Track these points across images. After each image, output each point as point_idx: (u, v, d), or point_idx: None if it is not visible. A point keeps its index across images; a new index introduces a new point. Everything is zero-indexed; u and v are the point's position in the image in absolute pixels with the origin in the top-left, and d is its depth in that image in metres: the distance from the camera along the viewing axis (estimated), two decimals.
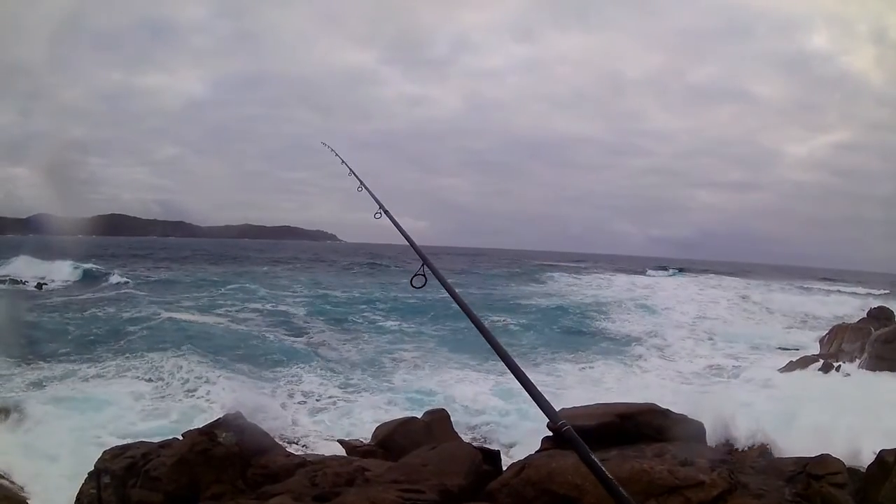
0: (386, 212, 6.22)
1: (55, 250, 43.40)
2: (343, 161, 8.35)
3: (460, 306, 3.83)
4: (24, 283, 40.79)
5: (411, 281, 4.28)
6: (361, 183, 7.26)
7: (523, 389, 2.84)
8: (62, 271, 44.23)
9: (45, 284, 40.88)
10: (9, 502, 9.83)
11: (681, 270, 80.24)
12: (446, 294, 3.97)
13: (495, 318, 31.81)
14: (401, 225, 5.66)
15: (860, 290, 59.49)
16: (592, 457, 2.33)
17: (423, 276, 4.27)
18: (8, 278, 41.02)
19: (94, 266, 47.70)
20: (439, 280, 4.24)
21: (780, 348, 27.24)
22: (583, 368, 22.77)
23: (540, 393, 2.69)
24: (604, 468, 2.26)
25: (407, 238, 5.25)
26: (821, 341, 25.43)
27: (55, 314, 27.59)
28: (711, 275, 73.75)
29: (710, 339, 30.05)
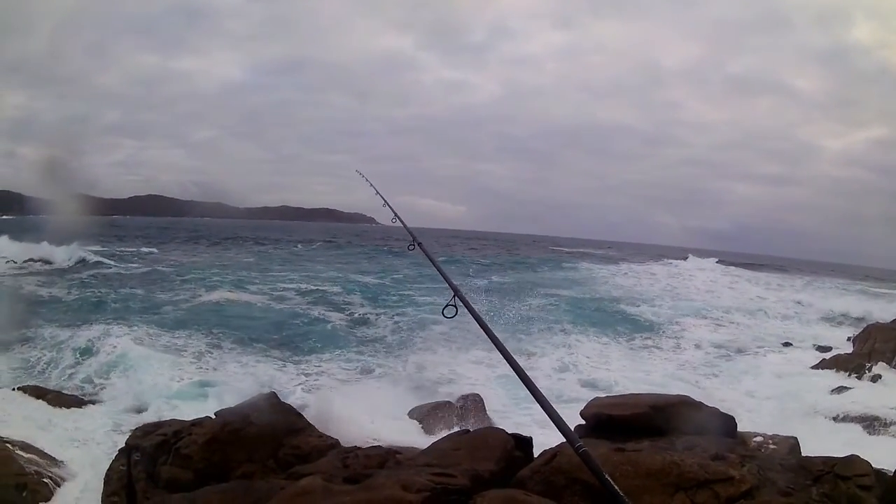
0: (419, 244, 6.48)
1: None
2: (378, 192, 8.47)
3: (488, 335, 4.02)
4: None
5: (443, 311, 4.47)
6: (396, 215, 7.43)
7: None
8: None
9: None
10: (39, 476, 9.98)
11: (720, 262, 79.60)
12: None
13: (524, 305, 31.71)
14: (435, 259, 5.93)
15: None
16: (606, 476, 2.37)
17: (455, 306, 4.45)
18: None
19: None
20: (469, 310, 4.41)
21: (815, 346, 27.01)
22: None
23: (560, 417, 2.77)
24: (616, 486, 2.30)
25: (440, 271, 5.47)
26: (854, 340, 25.19)
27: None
28: (748, 268, 73.23)
29: (743, 330, 29.92)
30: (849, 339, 26.62)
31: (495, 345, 3.78)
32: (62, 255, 39.70)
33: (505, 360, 3.66)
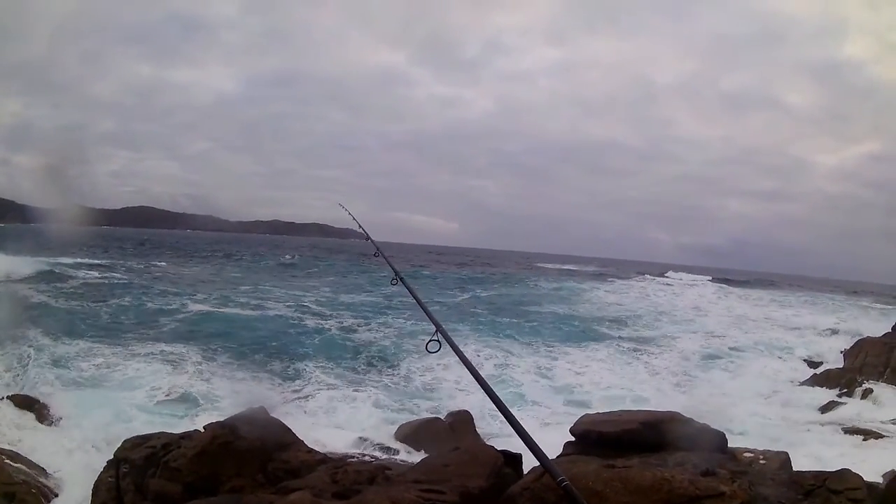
0: (402, 279, 6.49)
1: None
2: (360, 226, 8.61)
3: (469, 369, 4.09)
4: None
5: (427, 346, 4.49)
6: (378, 250, 7.57)
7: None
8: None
9: None
10: (28, 487, 9.94)
11: (714, 279, 79.67)
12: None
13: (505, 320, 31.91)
14: (416, 295, 5.90)
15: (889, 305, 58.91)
16: None
17: (438, 341, 4.47)
18: None
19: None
20: (451, 346, 4.43)
21: (805, 360, 27.05)
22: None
23: (544, 455, 2.76)
24: None
25: (422, 306, 5.46)
26: (845, 354, 25.22)
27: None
28: (738, 285, 73.47)
29: (733, 346, 29.94)
30: (841, 352, 26.63)
31: (476, 379, 3.83)
32: (36, 266, 39.49)
33: (487, 396, 3.67)
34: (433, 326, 4.61)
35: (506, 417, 3.27)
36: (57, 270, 39.29)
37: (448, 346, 4.45)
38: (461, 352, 4.32)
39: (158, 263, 52.10)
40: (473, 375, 3.90)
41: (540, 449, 2.85)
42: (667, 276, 79.30)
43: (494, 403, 3.44)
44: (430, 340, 4.46)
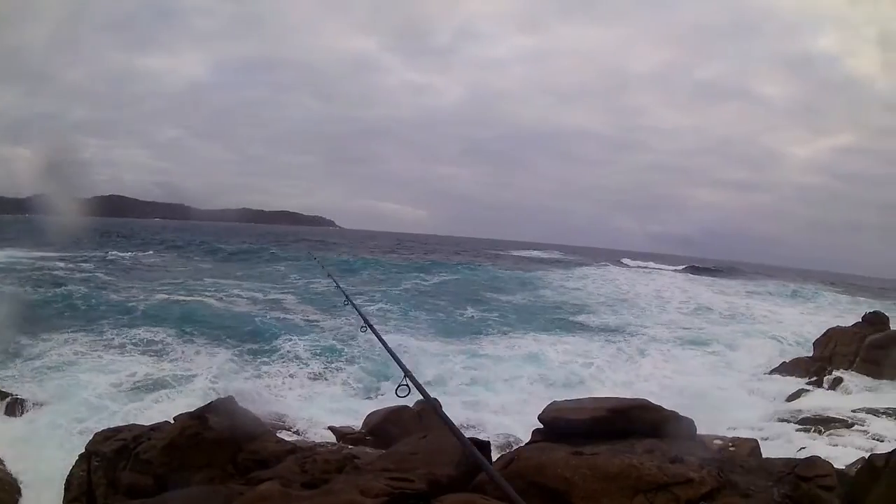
0: (371, 327, 6.90)
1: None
2: (329, 275, 8.93)
3: (439, 416, 4.37)
4: None
5: (396, 391, 4.88)
6: (348, 299, 7.76)
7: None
8: None
9: None
10: (0, 484, 9.88)
11: (686, 269, 79.71)
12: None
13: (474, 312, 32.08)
14: (385, 343, 6.38)
15: (860, 295, 59.38)
16: None
17: (407, 386, 4.81)
18: None
19: None
20: (420, 391, 4.77)
21: (776, 349, 27.14)
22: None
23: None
24: None
25: (391, 354, 5.88)
26: (815, 344, 25.38)
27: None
28: (708, 273, 73.84)
29: (699, 334, 30.09)
30: (812, 342, 26.78)
31: (444, 422, 4.09)
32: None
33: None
34: (403, 375, 4.90)
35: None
36: (24, 262, 38.98)
37: (417, 392, 4.76)
38: (428, 394, 4.83)
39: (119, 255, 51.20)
40: (442, 420, 4.19)
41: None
42: (635, 264, 79.49)
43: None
44: (399, 386, 4.79)
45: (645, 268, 73.46)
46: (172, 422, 9.59)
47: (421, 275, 47.62)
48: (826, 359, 22.93)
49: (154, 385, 15.74)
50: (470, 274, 52.51)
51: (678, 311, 38.14)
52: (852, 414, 15.63)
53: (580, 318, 33.08)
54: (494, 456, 8.29)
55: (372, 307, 30.05)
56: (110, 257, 47.36)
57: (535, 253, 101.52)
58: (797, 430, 14.83)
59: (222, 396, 10.81)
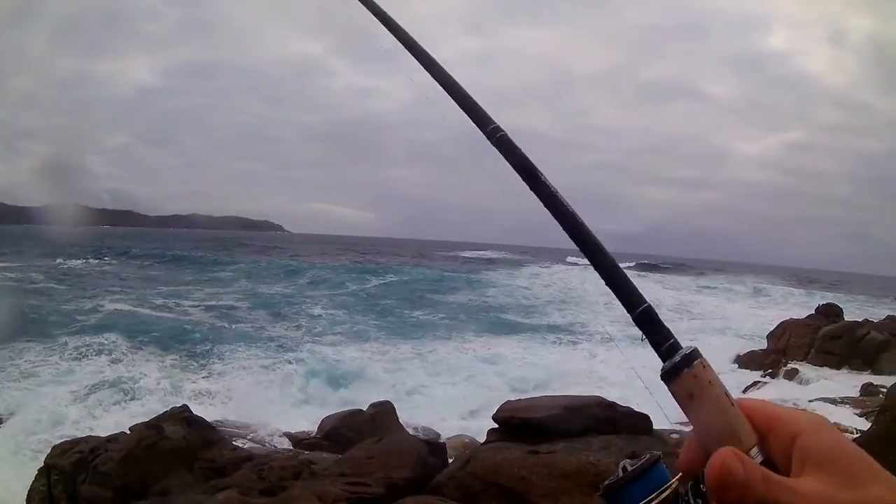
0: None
1: None
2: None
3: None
4: None
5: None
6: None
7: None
8: None
9: None
10: None
11: (637, 266, 79.84)
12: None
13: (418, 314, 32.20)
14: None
15: (813, 288, 59.98)
16: None
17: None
18: None
19: None
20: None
21: (728, 342, 27.39)
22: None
23: None
24: None
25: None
26: (769, 336, 25.66)
27: None
28: (657, 270, 74.21)
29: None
30: (768, 335, 27.07)
31: None
32: None
33: None
34: None
35: None
36: None
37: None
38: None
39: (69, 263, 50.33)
40: None
41: None
42: (584, 263, 79.51)
43: None
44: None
45: (589, 265, 73.34)
46: (129, 432, 9.52)
47: (368, 277, 47.43)
48: (780, 351, 23.27)
49: (109, 393, 15.56)
50: (418, 275, 52.33)
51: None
52: (810, 404, 15.83)
53: (531, 317, 33.38)
54: (450, 457, 8.31)
55: (317, 310, 30.23)
56: (60, 266, 46.74)
57: (483, 253, 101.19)
58: None
59: (176, 405, 10.75)
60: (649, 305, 0.92)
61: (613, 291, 0.96)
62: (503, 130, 1.12)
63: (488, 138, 1.13)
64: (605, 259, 1.01)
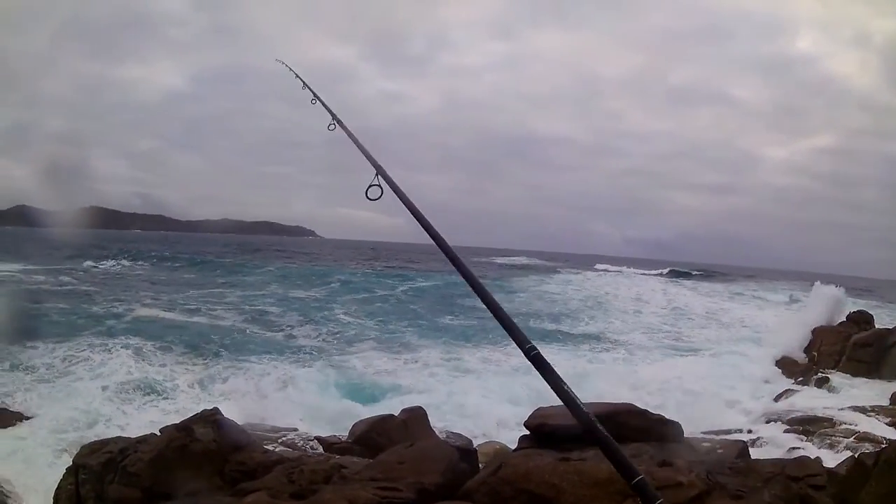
0: (340, 122, 6.04)
1: None
2: (297, 76, 8.02)
3: (419, 221, 3.86)
4: None
5: (366, 193, 4.21)
6: (315, 95, 7.07)
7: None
8: None
9: None
10: None
11: (669, 273, 79.13)
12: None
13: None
14: (356, 138, 5.39)
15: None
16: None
17: (379, 186, 4.21)
18: None
19: None
20: (394, 190, 4.15)
21: (759, 350, 27.16)
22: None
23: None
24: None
25: (361, 148, 5.08)
26: (801, 344, 25.45)
27: None
28: (688, 277, 73.73)
29: (680, 339, 30.22)
30: (797, 342, 26.84)
31: (430, 234, 3.74)
32: None
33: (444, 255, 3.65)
34: (374, 173, 4.32)
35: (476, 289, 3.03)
36: (3, 275, 38.61)
37: (391, 192, 4.18)
38: (406, 197, 4.07)
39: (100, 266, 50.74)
40: (422, 225, 3.78)
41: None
42: (615, 269, 79.10)
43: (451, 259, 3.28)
44: (370, 186, 4.21)
45: (620, 272, 72.99)
46: (159, 434, 9.54)
47: (399, 282, 47.57)
48: (812, 359, 23.10)
49: (138, 394, 15.68)
50: (449, 280, 52.31)
51: (661, 315, 38.18)
52: (840, 413, 15.64)
53: (563, 323, 33.26)
54: (481, 463, 8.25)
55: (348, 316, 30.48)
56: (92, 269, 47.25)
57: (513, 259, 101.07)
58: (785, 431, 14.83)
59: (207, 407, 10.74)
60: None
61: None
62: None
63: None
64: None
